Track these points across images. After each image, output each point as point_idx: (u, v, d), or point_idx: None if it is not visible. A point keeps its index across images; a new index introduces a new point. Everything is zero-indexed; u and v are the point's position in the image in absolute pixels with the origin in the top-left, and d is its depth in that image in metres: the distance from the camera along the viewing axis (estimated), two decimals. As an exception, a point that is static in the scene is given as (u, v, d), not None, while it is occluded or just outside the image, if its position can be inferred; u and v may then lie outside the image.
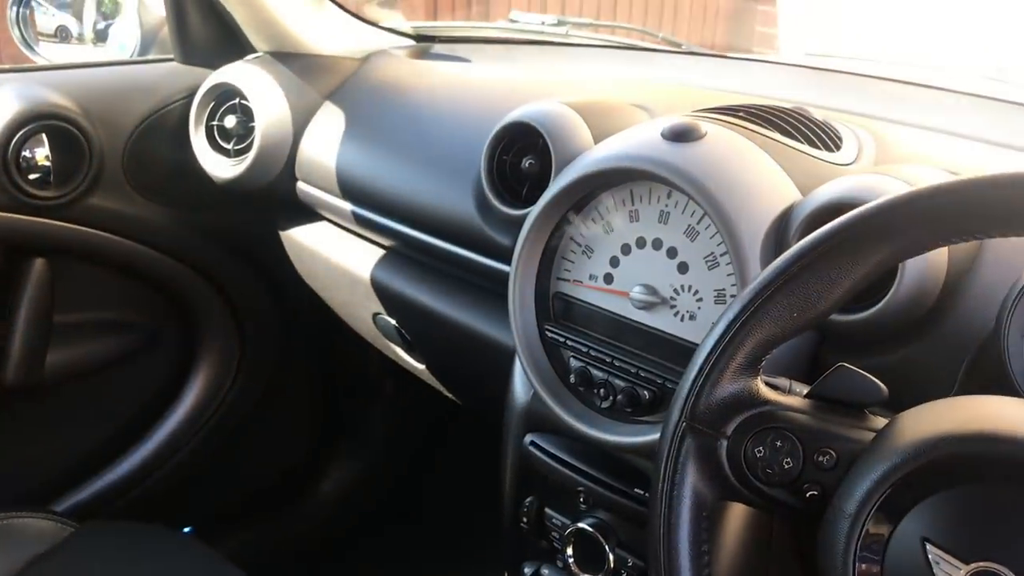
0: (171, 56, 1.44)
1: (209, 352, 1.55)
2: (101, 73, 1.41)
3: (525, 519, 0.98)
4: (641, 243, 0.87)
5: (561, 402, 0.91)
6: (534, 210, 0.91)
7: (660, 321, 0.86)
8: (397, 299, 1.22)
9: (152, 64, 1.48)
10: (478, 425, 1.33)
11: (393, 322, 1.26)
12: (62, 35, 2.07)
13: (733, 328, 0.58)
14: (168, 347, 1.54)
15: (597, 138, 0.96)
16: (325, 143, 1.27)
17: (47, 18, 1.73)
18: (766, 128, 0.88)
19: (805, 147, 0.87)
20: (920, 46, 1.47)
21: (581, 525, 0.92)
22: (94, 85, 1.35)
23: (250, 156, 1.30)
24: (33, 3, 1.59)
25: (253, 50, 1.42)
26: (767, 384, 0.60)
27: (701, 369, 0.59)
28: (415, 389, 1.49)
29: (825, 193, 0.77)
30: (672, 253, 0.85)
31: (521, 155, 1.01)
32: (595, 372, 0.90)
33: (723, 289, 0.82)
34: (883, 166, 0.86)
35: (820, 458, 0.56)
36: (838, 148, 0.89)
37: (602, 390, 0.89)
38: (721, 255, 0.82)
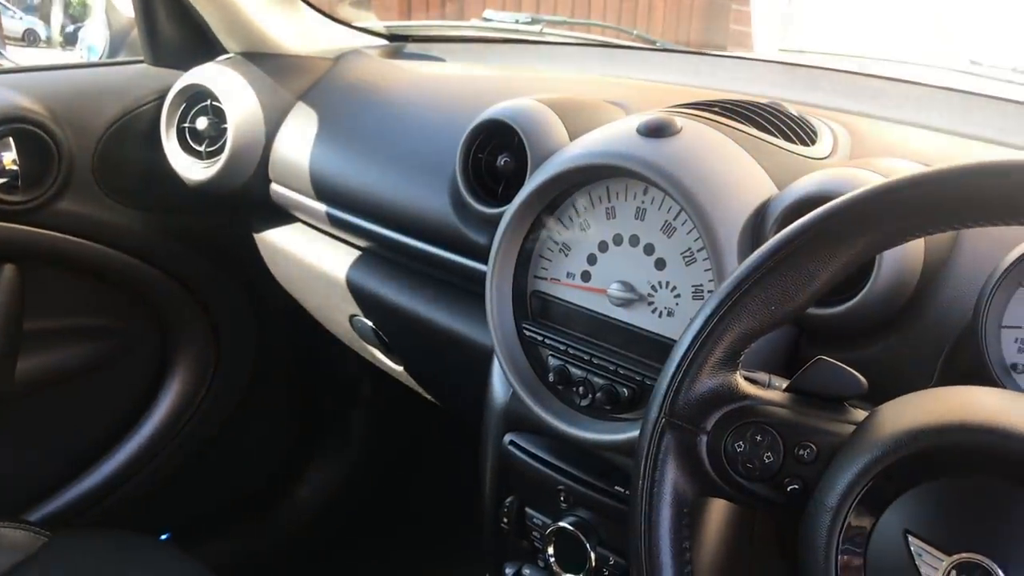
0: (141, 58, 1.42)
1: (184, 357, 1.54)
2: (69, 75, 1.39)
3: (506, 519, 0.98)
4: (618, 240, 0.87)
5: (540, 401, 0.90)
6: (510, 208, 0.90)
7: (638, 318, 0.86)
8: (373, 300, 1.21)
9: (122, 66, 1.46)
10: (458, 426, 1.32)
11: (370, 324, 1.25)
12: (30, 39, 2.04)
13: (711, 323, 0.57)
14: (142, 353, 1.52)
15: (572, 135, 0.95)
16: (298, 144, 1.26)
17: (14, 22, 1.71)
18: (741, 123, 0.87)
19: (780, 142, 0.87)
20: (892, 42, 1.47)
21: (562, 524, 0.91)
22: (62, 87, 1.33)
23: (222, 158, 1.28)
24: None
25: (224, 51, 1.40)
26: (746, 379, 0.59)
27: (680, 365, 0.58)
28: (394, 391, 1.48)
29: (801, 187, 0.77)
30: (649, 250, 0.85)
31: (496, 153, 1.00)
32: (574, 370, 0.89)
33: (700, 285, 0.82)
34: (858, 159, 0.86)
35: (800, 452, 0.55)
36: (813, 142, 0.89)
37: (581, 388, 0.89)
38: (698, 251, 0.81)
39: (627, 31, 1.55)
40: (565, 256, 0.91)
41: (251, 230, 1.40)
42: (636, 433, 0.81)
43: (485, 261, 0.94)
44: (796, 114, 0.93)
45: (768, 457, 0.56)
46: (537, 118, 0.97)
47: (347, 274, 1.23)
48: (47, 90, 1.29)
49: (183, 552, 1.19)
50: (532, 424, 0.93)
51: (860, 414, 0.56)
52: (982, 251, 0.74)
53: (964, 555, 0.47)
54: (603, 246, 0.88)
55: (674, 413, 0.58)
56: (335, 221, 1.21)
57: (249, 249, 1.42)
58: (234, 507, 1.74)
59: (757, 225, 0.78)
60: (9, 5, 1.60)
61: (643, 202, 0.85)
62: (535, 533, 0.96)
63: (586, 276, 0.90)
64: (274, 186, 1.31)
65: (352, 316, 1.27)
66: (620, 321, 0.87)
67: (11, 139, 1.23)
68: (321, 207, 1.22)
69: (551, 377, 0.91)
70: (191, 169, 1.32)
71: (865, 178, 0.75)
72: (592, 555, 0.90)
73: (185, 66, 1.37)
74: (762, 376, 0.62)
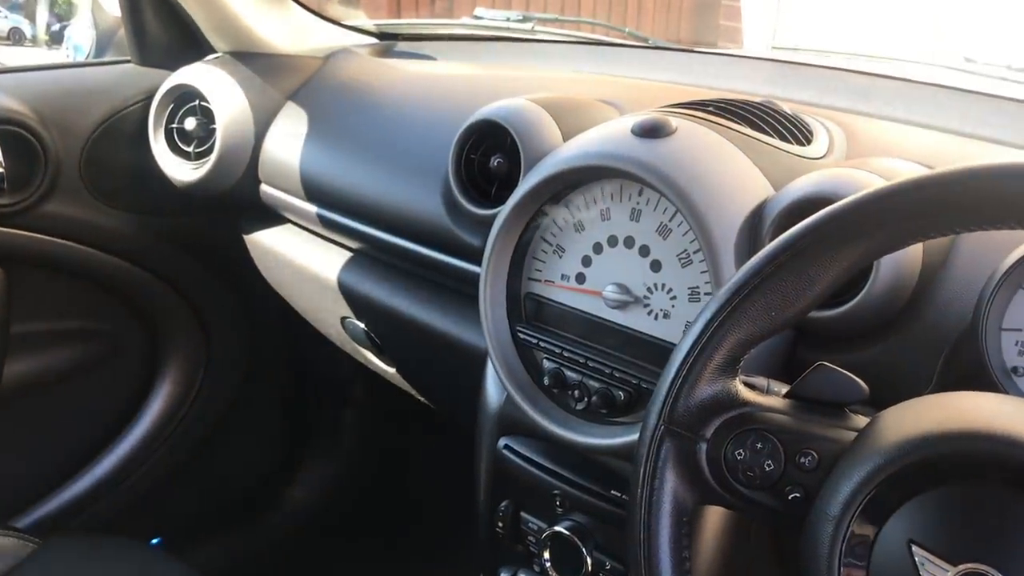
0: (128, 58, 1.40)
1: (174, 360, 1.52)
2: (55, 76, 1.38)
3: (501, 524, 0.97)
4: (613, 241, 0.86)
5: (535, 405, 0.89)
6: (504, 209, 0.89)
7: (634, 320, 0.85)
8: (365, 302, 1.20)
9: (108, 66, 1.44)
10: (451, 429, 1.31)
11: (362, 326, 1.23)
12: (15, 37, 2.02)
13: (710, 329, 0.56)
14: (132, 356, 1.51)
15: (566, 135, 0.94)
16: (288, 144, 1.24)
17: (-1, 20, 1.69)
18: (737, 123, 0.87)
19: (776, 141, 0.86)
20: (886, 39, 1.47)
21: (558, 529, 0.90)
22: (48, 88, 1.31)
23: (211, 159, 1.27)
24: (-16, 5, 1.55)
25: (212, 50, 1.39)
26: (746, 384, 0.58)
27: (679, 371, 0.57)
28: (386, 393, 1.47)
29: (798, 188, 0.76)
30: (645, 251, 0.84)
31: (489, 154, 0.99)
32: (569, 373, 0.88)
33: (697, 287, 0.81)
34: (855, 159, 0.85)
35: (802, 459, 0.54)
36: (809, 142, 0.88)
37: (576, 391, 0.88)
38: (694, 252, 0.80)
39: (619, 29, 1.55)
40: (559, 258, 0.90)
41: (241, 231, 1.39)
42: (633, 437, 0.81)
43: (478, 263, 0.93)
44: (791, 113, 0.92)
45: (769, 465, 0.55)
46: (530, 118, 0.95)
47: (338, 276, 1.22)
48: (33, 91, 1.28)
49: (174, 557, 1.18)
50: (527, 428, 0.92)
51: (861, 420, 0.56)
52: (980, 253, 0.73)
53: (969, 565, 0.47)
54: (598, 248, 0.87)
55: (673, 420, 0.57)
56: (326, 222, 1.20)
57: (239, 251, 1.40)
58: (225, 510, 1.73)
59: (754, 226, 0.77)
60: (-6, 4, 1.58)
61: (638, 203, 0.84)
62: (530, 538, 0.95)
63: (581, 278, 0.89)
64: (264, 187, 1.29)
65: (344, 318, 1.26)
66: (615, 323, 0.86)
67: (-4, 140, 1.22)
68: (311, 208, 1.21)
69: (546, 380, 0.90)
70: (180, 170, 1.31)
71: (864, 179, 0.74)
72: (588, 560, 0.89)
73: (173, 66, 1.35)
74: (761, 381, 0.61)
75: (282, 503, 1.78)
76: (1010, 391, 0.66)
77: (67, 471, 1.49)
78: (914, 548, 0.48)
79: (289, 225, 1.32)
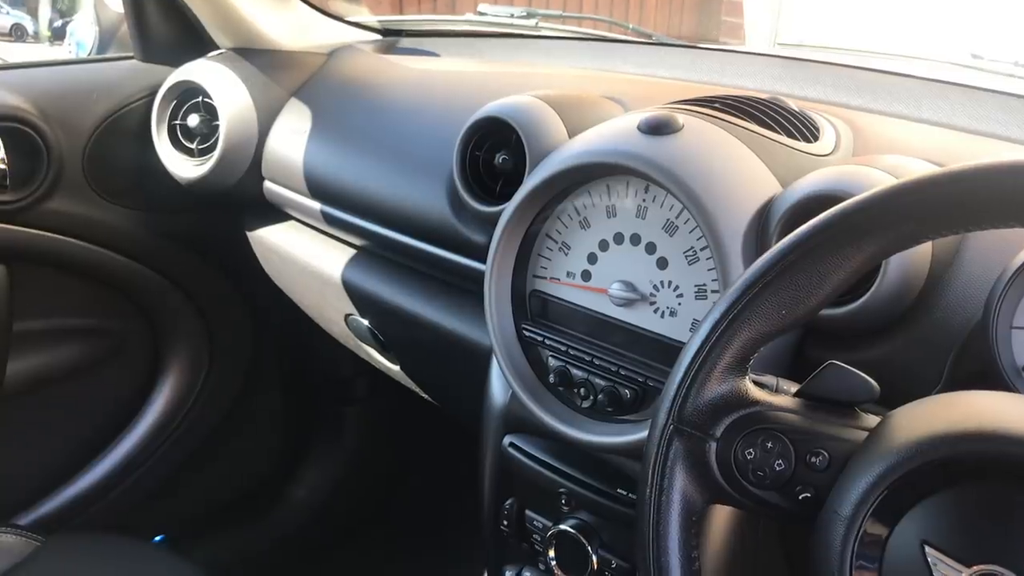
0: (131, 54, 1.40)
1: (177, 357, 1.52)
2: (58, 72, 1.37)
3: (505, 522, 0.97)
4: (619, 239, 0.86)
5: (540, 403, 0.89)
6: (509, 207, 0.89)
7: (640, 318, 0.84)
8: (369, 300, 1.19)
9: (111, 63, 1.44)
10: (455, 426, 1.31)
11: (366, 323, 1.23)
12: (17, 34, 2.02)
13: (720, 327, 0.56)
14: (135, 353, 1.50)
15: (571, 132, 0.94)
16: (292, 141, 1.24)
17: (1, 16, 1.69)
18: (743, 119, 0.86)
19: (783, 138, 0.85)
20: (892, 34, 1.46)
21: (563, 527, 0.90)
22: (51, 85, 1.31)
23: (215, 156, 1.27)
24: (-14, 1, 1.55)
25: (215, 47, 1.38)
26: (755, 383, 0.58)
27: (688, 370, 0.57)
28: (390, 390, 1.47)
29: (806, 185, 0.76)
30: (651, 249, 0.84)
31: (494, 151, 0.99)
32: (575, 371, 0.88)
33: (704, 284, 0.80)
34: (863, 156, 0.85)
35: (812, 459, 0.54)
36: (816, 138, 0.88)
37: (582, 389, 0.87)
38: (701, 250, 0.80)
39: (623, 25, 1.54)
40: (565, 255, 0.90)
41: (244, 228, 1.39)
42: (639, 435, 0.81)
43: (483, 260, 0.92)
44: (797, 109, 0.91)
45: (779, 464, 0.55)
46: (535, 115, 0.95)
47: (342, 273, 1.21)
48: (36, 87, 1.27)
49: (177, 555, 1.18)
50: (532, 426, 0.91)
51: (872, 420, 0.55)
52: (989, 250, 0.72)
53: (983, 566, 0.46)
54: (604, 245, 0.87)
55: (682, 420, 0.57)
56: (330, 219, 1.19)
57: (242, 248, 1.40)
58: (229, 508, 1.72)
59: (761, 224, 0.77)
60: (-5, -1, 1.57)
61: (644, 200, 0.84)
62: (535, 536, 0.94)
63: (586, 275, 0.88)
64: (267, 184, 1.29)
65: (348, 315, 1.26)
66: (621, 321, 0.86)
67: (-1, 138, 1.21)
68: (315, 205, 1.20)
69: (552, 378, 0.89)
70: (183, 167, 1.30)
71: (872, 176, 0.73)
72: (594, 558, 0.89)
73: (176, 62, 1.35)
74: (769, 380, 0.61)
75: (285, 501, 1.77)
76: (1021, 390, 0.65)
77: (70, 469, 1.49)
78: (927, 549, 0.48)
79: (293, 222, 1.32)
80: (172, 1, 1.33)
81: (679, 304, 0.82)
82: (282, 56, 1.35)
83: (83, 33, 1.63)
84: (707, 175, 0.78)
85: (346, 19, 1.46)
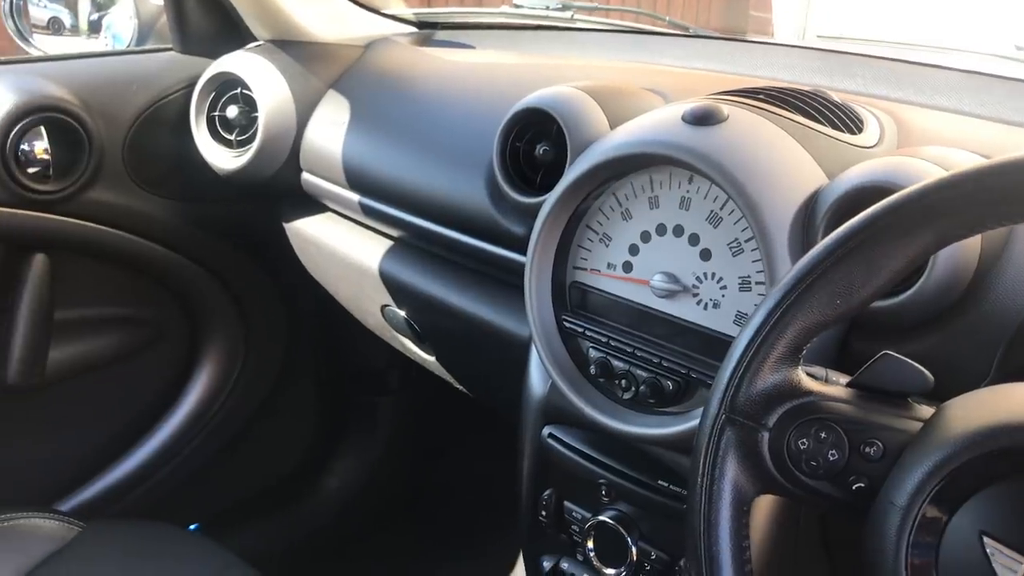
0: (170, 46, 1.41)
1: (214, 347, 1.53)
2: (99, 64, 1.39)
3: (544, 512, 0.97)
4: (662, 230, 0.86)
5: (581, 394, 0.89)
6: (550, 198, 0.89)
7: (682, 310, 0.84)
8: (406, 291, 1.20)
9: (151, 54, 1.45)
10: (487, 418, 1.32)
11: (402, 314, 1.24)
12: (55, 27, 2.04)
13: (774, 317, 0.56)
14: (172, 342, 1.52)
15: (613, 123, 0.94)
16: (330, 132, 1.25)
17: (39, 10, 1.71)
18: (788, 111, 0.86)
19: (827, 129, 0.85)
20: (929, 27, 1.45)
21: (602, 518, 0.90)
22: (92, 76, 1.32)
23: (253, 147, 1.28)
24: (26, -6, 1.56)
25: (253, 39, 1.39)
26: (807, 374, 0.58)
27: (740, 360, 0.57)
28: (424, 382, 1.48)
29: (853, 176, 0.75)
30: (694, 240, 0.83)
31: (534, 142, 0.99)
32: (616, 362, 0.88)
33: (748, 276, 0.80)
34: (907, 148, 0.84)
35: (867, 449, 0.54)
36: (860, 130, 0.87)
37: (623, 381, 0.87)
38: (746, 241, 0.80)
39: (659, 17, 1.54)
40: (606, 247, 0.90)
41: (281, 219, 1.40)
42: (681, 427, 0.81)
43: (522, 251, 0.93)
44: (840, 101, 0.91)
45: (833, 455, 0.55)
46: (577, 106, 0.95)
47: (379, 264, 1.22)
48: (78, 79, 1.29)
49: (214, 543, 1.19)
50: (572, 417, 0.92)
51: (926, 411, 0.55)
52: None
53: (1044, 558, 0.46)
54: (646, 236, 0.87)
55: (735, 409, 0.57)
56: (367, 210, 1.20)
57: (279, 239, 1.41)
58: (262, 497, 1.74)
59: (808, 215, 0.76)
60: (34, -8, 1.59)
61: (688, 191, 0.84)
62: (574, 527, 0.95)
63: (628, 267, 0.88)
64: (305, 175, 1.30)
65: (384, 306, 1.27)
66: (664, 313, 0.86)
67: (43, 128, 1.23)
68: (353, 196, 1.21)
69: (592, 369, 0.90)
70: (221, 158, 1.32)
71: (920, 168, 0.73)
72: (633, 549, 0.89)
73: (214, 54, 1.36)
74: (819, 371, 0.61)
75: (317, 490, 1.79)
76: (1073, 382, 0.65)
77: (109, 456, 1.51)
78: (986, 539, 0.48)
79: (330, 213, 1.33)
80: (211, -7, 1.35)
81: (722, 296, 0.82)
82: (319, 48, 1.36)
83: (120, 26, 1.64)
84: (753, 166, 0.77)
85: (382, 12, 1.46)
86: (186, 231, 1.41)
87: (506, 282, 1.05)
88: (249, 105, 1.30)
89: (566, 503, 0.95)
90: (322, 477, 1.79)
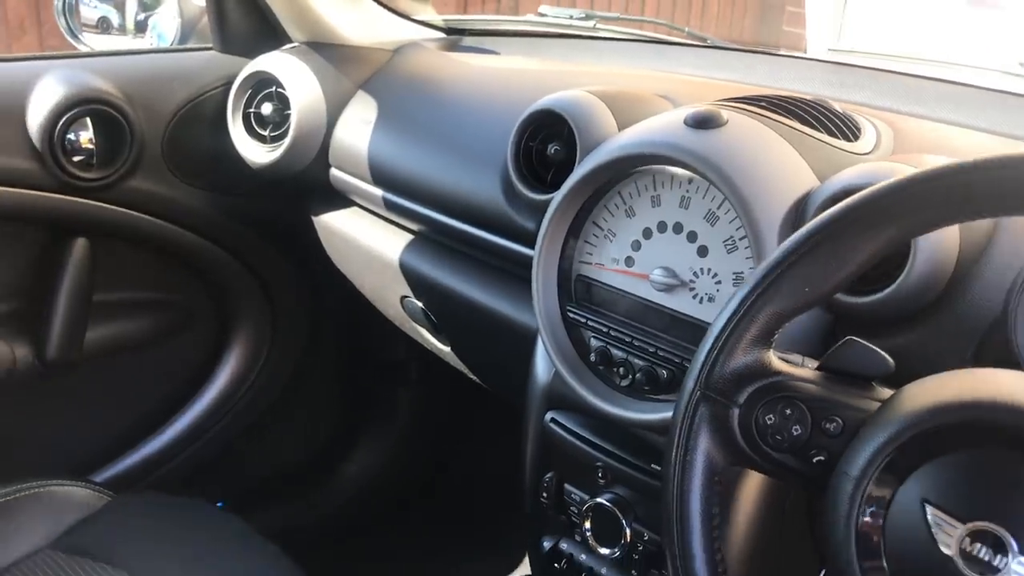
0: (210, 45, 1.48)
1: (242, 332, 1.60)
2: (143, 60, 1.46)
3: (545, 494, 1.02)
4: (662, 227, 0.90)
5: (582, 380, 0.94)
6: (558, 194, 0.94)
7: (679, 303, 0.89)
8: (425, 282, 1.25)
9: (192, 52, 1.52)
10: (503, 409, 1.36)
11: (420, 305, 1.29)
12: (103, 26, 2.13)
13: (747, 302, 0.61)
14: (202, 327, 1.59)
15: (621, 126, 0.98)
16: (358, 131, 1.31)
17: (89, 10, 1.79)
18: (786, 117, 0.90)
19: (824, 136, 0.89)
20: (947, 44, 1.48)
21: (599, 500, 0.95)
22: (136, 72, 1.40)
23: (285, 143, 1.34)
24: (78, -6, 1.64)
25: (289, 40, 1.46)
26: (779, 357, 0.62)
27: (716, 341, 0.62)
28: (442, 375, 1.53)
29: (842, 179, 0.79)
30: (692, 237, 0.88)
31: (547, 142, 1.04)
32: (615, 352, 0.93)
33: (741, 272, 0.84)
34: (901, 155, 0.88)
35: (827, 425, 0.58)
36: (857, 138, 0.91)
37: (621, 369, 0.92)
38: (740, 239, 0.84)
39: (679, 28, 1.58)
40: (610, 242, 0.95)
41: (310, 213, 1.46)
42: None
43: (532, 246, 0.97)
44: (841, 111, 0.95)
45: (796, 430, 0.59)
46: (587, 108, 1.00)
47: (400, 257, 1.27)
48: (122, 74, 1.36)
49: (238, 518, 1.24)
50: (573, 403, 0.96)
51: (886, 393, 0.59)
52: (1018, 244, 0.75)
53: (978, 523, 0.50)
54: (647, 233, 0.92)
55: (709, 386, 0.62)
56: (390, 205, 1.26)
57: (307, 231, 1.47)
58: (283, 480, 1.80)
59: (798, 215, 0.81)
60: (86, -7, 1.67)
61: (687, 191, 0.89)
62: (573, 508, 0.99)
63: (630, 261, 0.93)
64: (333, 171, 1.36)
65: (403, 297, 1.32)
66: (661, 306, 0.90)
67: (88, 119, 1.30)
68: (377, 191, 1.27)
69: (593, 357, 0.94)
70: (255, 153, 1.38)
71: (906, 172, 0.77)
72: (627, 531, 0.93)
73: (252, 54, 1.42)
74: (796, 357, 0.65)
75: (337, 476, 1.85)
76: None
77: (140, 433, 1.57)
78: (928, 507, 0.52)
79: (356, 208, 1.39)
80: (250, -4, 1.41)
81: (717, 290, 0.86)
82: (351, 51, 1.42)
83: (164, 26, 1.72)
84: (748, 168, 0.82)
85: (412, 17, 1.52)
86: (219, 221, 1.48)
87: (518, 275, 1.10)
88: (283, 103, 1.36)
89: (566, 486, 1.00)
90: (342, 462, 1.85)
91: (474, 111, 1.21)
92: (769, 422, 0.60)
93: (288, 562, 1.14)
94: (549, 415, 1.00)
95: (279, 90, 1.36)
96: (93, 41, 1.66)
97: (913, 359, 0.72)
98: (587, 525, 0.97)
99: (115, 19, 2.01)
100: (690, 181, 0.88)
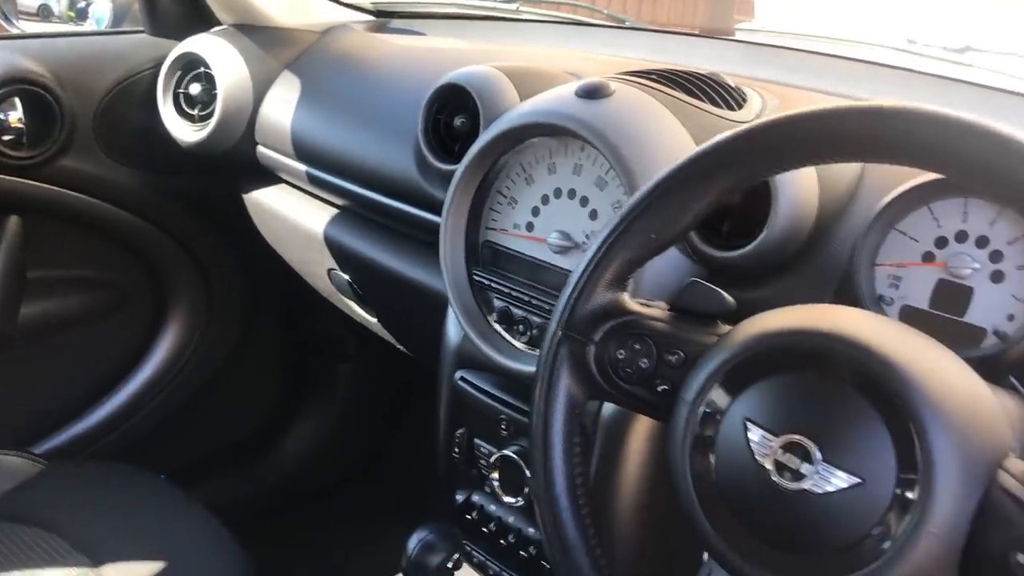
0: (141, 28, 1.51)
1: (178, 308, 1.64)
2: (74, 43, 1.49)
3: (457, 450, 1.07)
4: (558, 193, 0.96)
5: (485, 339, 0.99)
6: (462, 164, 0.99)
7: (573, 263, 0.94)
8: (348, 254, 1.30)
9: (123, 35, 1.55)
10: (436, 379, 1.40)
11: (346, 277, 1.34)
12: (44, 13, 2.15)
13: (601, 250, 0.66)
14: (139, 304, 1.62)
15: (523, 99, 1.03)
16: (282, 109, 1.35)
17: (29, -3, 1.80)
18: (673, 89, 0.96)
19: (707, 106, 0.95)
20: (850, 21, 1.54)
21: (505, 452, 1.00)
22: (67, 53, 1.43)
23: (213, 121, 1.38)
24: (15, -19, 1.66)
25: (218, 23, 1.49)
26: (635, 301, 0.68)
27: (575, 285, 0.67)
28: (378, 348, 1.57)
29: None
30: (584, 202, 0.94)
31: (454, 115, 1.09)
32: (515, 311, 0.98)
33: (627, 232, 0.90)
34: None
35: (670, 357, 0.64)
36: (740, 107, 0.97)
37: (520, 327, 0.98)
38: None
39: (598, 10, 1.64)
40: (512, 209, 1.00)
41: (240, 190, 1.50)
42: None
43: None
44: (732, 84, 1.01)
45: (644, 363, 0.65)
46: (490, 82, 1.05)
47: (325, 230, 1.32)
48: (52, 55, 1.39)
49: (173, 485, 1.27)
50: (480, 361, 1.02)
51: (727, 328, 0.65)
52: (874, 201, 0.82)
53: (789, 436, 0.56)
54: (545, 199, 0.97)
55: (569, 327, 0.67)
56: (314, 180, 1.30)
57: (238, 208, 1.51)
58: (223, 454, 1.84)
59: (675, 179, 0.86)
60: (25, -20, 1.70)
61: (580, 159, 0.94)
62: (482, 462, 1.05)
63: (530, 226, 0.99)
64: (260, 148, 1.40)
65: (330, 270, 1.37)
66: (558, 267, 0.96)
67: (17, 99, 1.33)
68: (301, 167, 1.31)
69: (495, 316, 1.00)
70: (184, 131, 1.42)
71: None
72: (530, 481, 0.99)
73: (181, 36, 1.46)
74: (658, 303, 0.71)
75: (276, 451, 1.89)
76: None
77: (78, 407, 1.61)
78: (748, 424, 0.58)
79: (283, 185, 1.43)
80: (179, -21, 1.45)
81: (606, 250, 0.92)
82: (279, 32, 1.46)
83: (101, 11, 1.75)
84: (630, 135, 0.87)
85: (342, 1, 1.56)
86: (152, 200, 1.51)
87: (431, 244, 1.14)
88: (211, 83, 1.40)
89: (476, 440, 1.05)
90: (282, 437, 1.89)
91: (392, 88, 1.26)
92: (620, 357, 0.66)
93: (225, 532, 1.16)
94: (459, 374, 1.05)
95: (207, 71, 1.40)
96: (31, 28, 1.69)
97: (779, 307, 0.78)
98: (495, 476, 1.02)
99: (55, 7, 2.03)
100: (582, 149, 0.94)
